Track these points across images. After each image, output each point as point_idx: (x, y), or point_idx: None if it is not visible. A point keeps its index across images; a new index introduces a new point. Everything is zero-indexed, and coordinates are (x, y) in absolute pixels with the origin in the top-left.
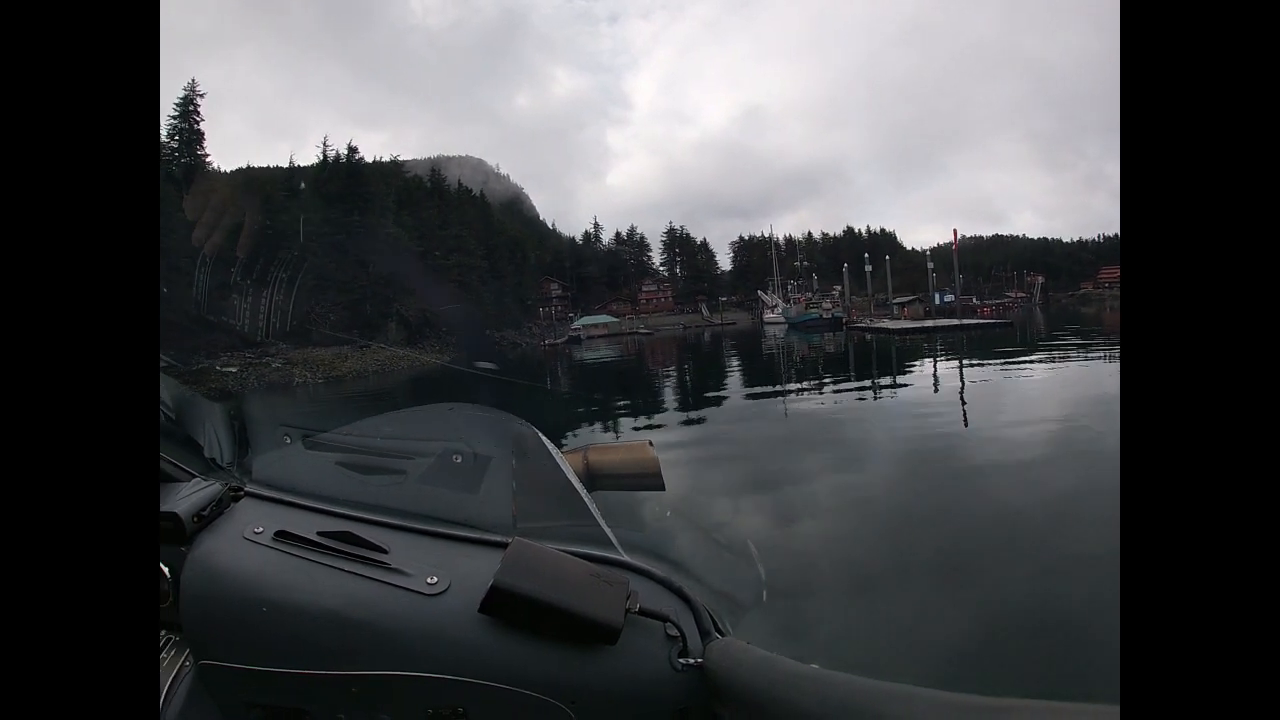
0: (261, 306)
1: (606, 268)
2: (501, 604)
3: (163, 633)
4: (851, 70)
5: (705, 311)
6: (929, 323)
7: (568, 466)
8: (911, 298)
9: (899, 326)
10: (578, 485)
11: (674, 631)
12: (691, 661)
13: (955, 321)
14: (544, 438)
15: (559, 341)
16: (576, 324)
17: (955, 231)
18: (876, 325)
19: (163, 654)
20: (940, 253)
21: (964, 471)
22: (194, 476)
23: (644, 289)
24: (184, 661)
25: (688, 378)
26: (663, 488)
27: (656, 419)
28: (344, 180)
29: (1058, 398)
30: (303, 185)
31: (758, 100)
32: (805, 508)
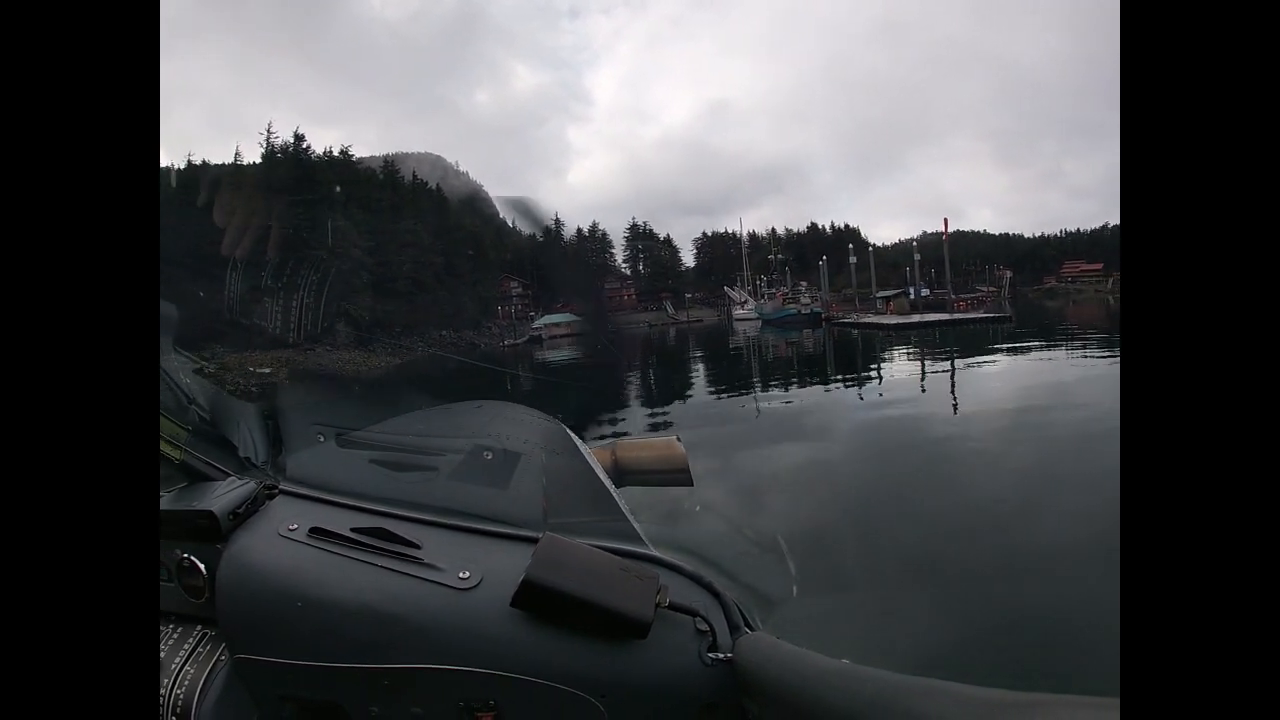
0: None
1: (566, 260)
2: (533, 598)
3: (199, 627)
4: (817, 67)
5: (670, 309)
6: (915, 317)
7: (596, 462)
8: (897, 291)
9: (891, 321)
10: (606, 481)
11: (704, 626)
12: (721, 656)
13: (948, 316)
14: (572, 434)
15: (519, 341)
16: (538, 323)
17: (945, 221)
18: (864, 320)
19: (199, 648)
20: (904, 248)
21: (999, 471)
22: (229, 475)
23: (607, 286)
24: (219, 655)
25: (680, 375)
26: (691, 483)
27: (665, 418)
28: (289, 172)
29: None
30: (338, 189)
31: (721, 96)
32: (837, 503)
